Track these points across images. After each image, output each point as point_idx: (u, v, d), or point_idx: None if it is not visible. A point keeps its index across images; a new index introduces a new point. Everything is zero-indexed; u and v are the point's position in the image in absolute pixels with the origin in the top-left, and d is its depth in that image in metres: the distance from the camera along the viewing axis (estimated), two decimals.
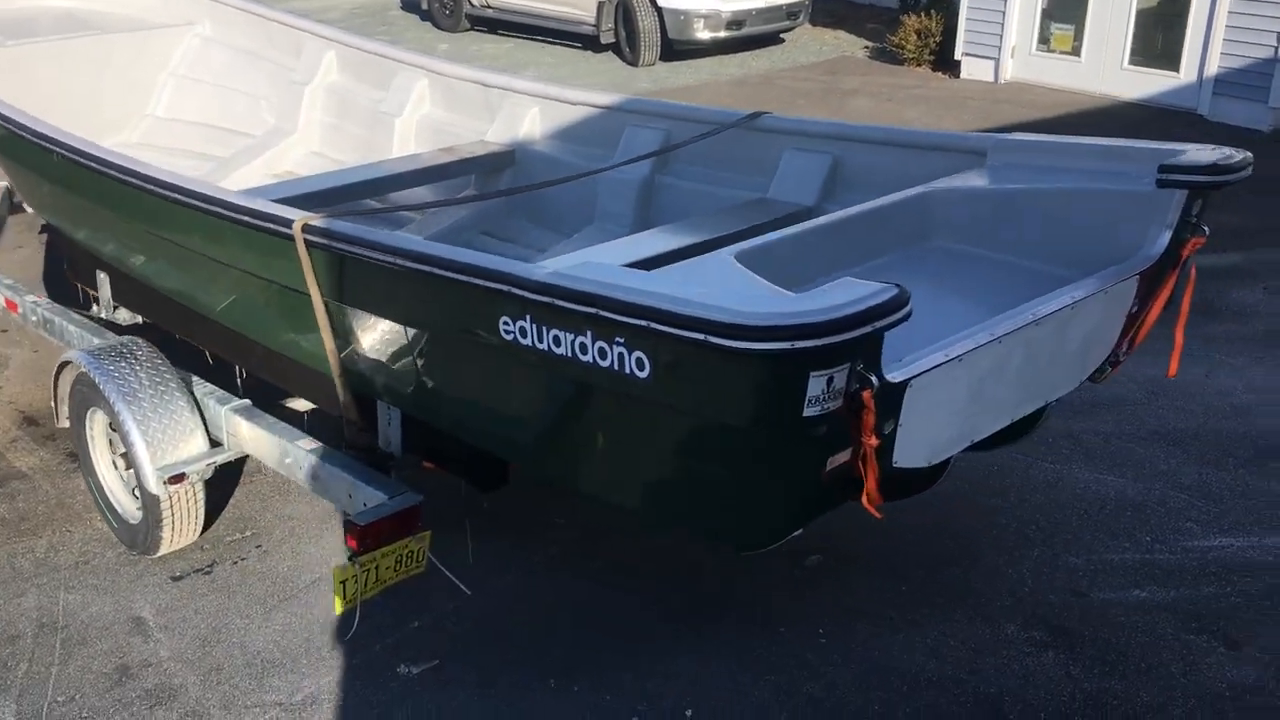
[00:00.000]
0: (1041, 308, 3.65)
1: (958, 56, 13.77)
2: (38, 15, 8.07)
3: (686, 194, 5.50)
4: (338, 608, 3.73)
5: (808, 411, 2.92)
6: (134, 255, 5.43)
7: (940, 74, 13.92)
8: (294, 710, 3.81)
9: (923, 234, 4.47)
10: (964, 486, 5.12)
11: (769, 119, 5.24)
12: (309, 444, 4.35)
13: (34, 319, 5.77)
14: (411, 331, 3.78)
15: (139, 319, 5.89)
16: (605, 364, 3.07)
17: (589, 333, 3.07)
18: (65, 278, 6.37)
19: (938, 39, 14.00)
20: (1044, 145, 4.48)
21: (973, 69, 13.68)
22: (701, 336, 2.83)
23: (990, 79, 13.55)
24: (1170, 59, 12.24)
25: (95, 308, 6.12)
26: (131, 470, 4.65)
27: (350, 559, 3.78)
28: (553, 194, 5.98)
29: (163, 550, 4.78)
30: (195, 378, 4.90)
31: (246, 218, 4.17)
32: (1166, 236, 4.00)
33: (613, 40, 14.26)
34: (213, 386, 4.83)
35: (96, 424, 4.95)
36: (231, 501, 5.20)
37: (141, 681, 4.00)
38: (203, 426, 4.67)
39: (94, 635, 4.29)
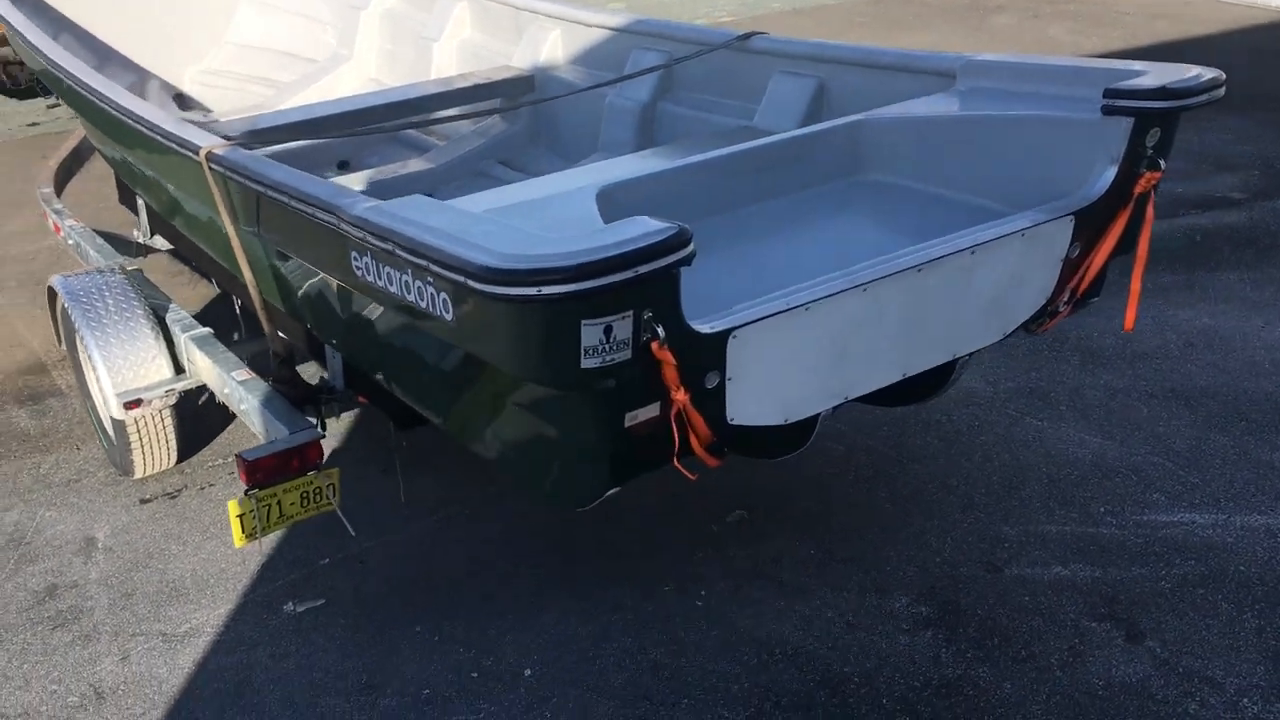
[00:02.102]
0: (927, 253, 3.30)
1: None
2: None
3: (684, 120, 5.30)
4: (237, 541, 3.72)
5: (586, 363, 2.71)
6: (140, 181, 5.56)
7: None
8: (173, 641, 3.87)
9: (854, 166, 4.14)
10: (932, 441, 4.78)
11: (760, 40, 4.95)
12: (242, 375, 4.34)
13: (70, 242, 5.99)
14: (304, 265, 3.72)
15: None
16: (424, 304, 2.94)
17: (408, 270, 2.92)
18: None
19: None
20: (1012, 66, 4.04)
21: None
22: (462, 279, 2.66)
23: None
24: None
25: (136, 233, 6.32)
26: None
27: (246, 493, 3.77)
28: (567, 121, 5.85)
29: (139, 473, 4.92)
30: (173, 306, 4.96)
31: (170, 143, 4.21)
32: (1110, 172, 3.55)
33: None
34: (183, 314, 4.89)
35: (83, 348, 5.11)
36: (228, 429, 5.30)
37: (58, 602, 4.14)
38: (168, 354, 4.74)
39: (46, 553, 4.46)
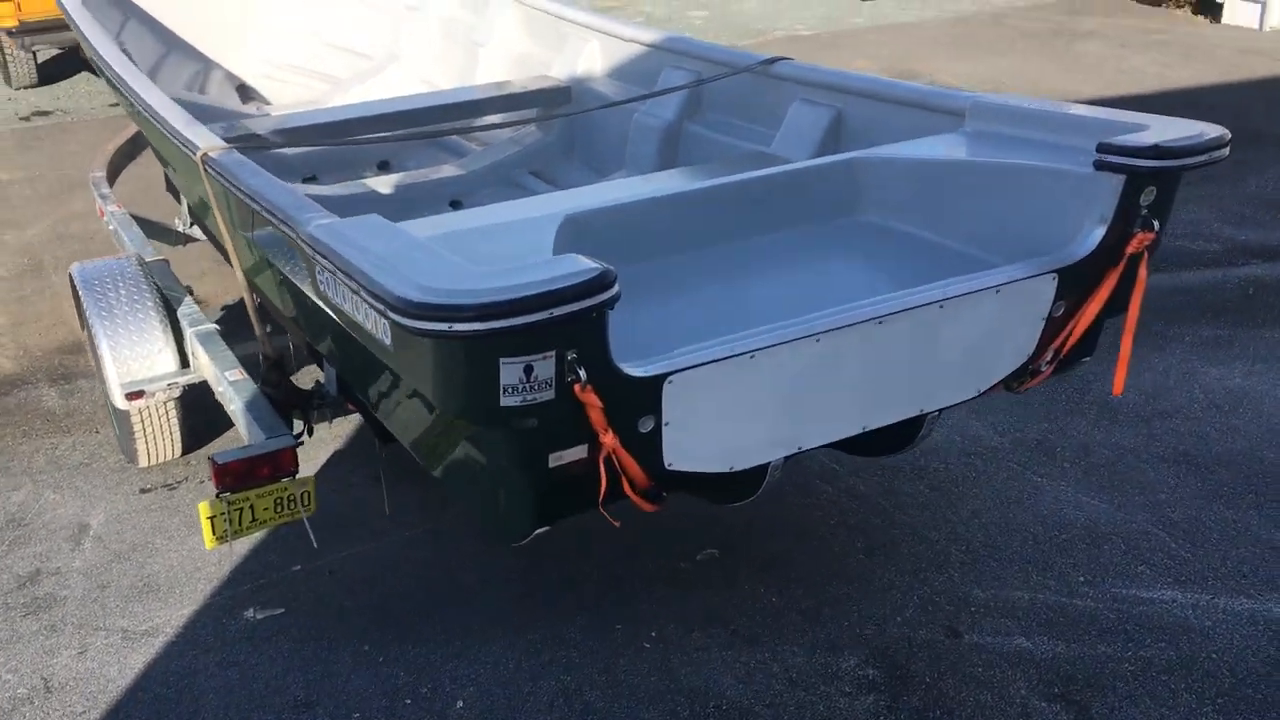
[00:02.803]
0: (889, 304, 3.17)
1: None
2: None
3: (707, 141, 5.25)
4: (207, 543, 3.73)
5: (506, 401, 2.66)
6: (169, 172, 5.65)
7: (1201, 17, 12.44)
8: (132, 639, 3.90)
9: (848, 204, 4.01)
10: (923, 490, 4.62)
11: (783, 66, 4.87)
12: (235, 375, 4.35)
13: (111, 227, 6.09)
14: (282, 273, 3.72)
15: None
16: (369, 327, 2.91)
17: (355, 290, 2.89)
18: None
19: None
20: (1017, 110, 3.89)
21: (1236, 13, 12.15)
22: (383, 309, 2.62)
23: (1254, 26, 11.98)
24: None
25: (177, 221, 6.41)
26: None
27: (218, 495, 3.77)
28: (599, 134, 5.83)
29: (143, 463, 4.98)
30: (187, 300, 4.99)
31: (177, 141, 4.26)
32: (1098, 231, 3.38)
33: None
34: (194, 309, 4.92)
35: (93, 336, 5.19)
36: None
37: (37, 588, 4.20)
38: (174, 348, 4.78)
39: (40, 536, 4.53)
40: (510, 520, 3.13)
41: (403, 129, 6.06)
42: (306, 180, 6.37)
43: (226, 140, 5.34)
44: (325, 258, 2.98)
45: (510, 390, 2.68)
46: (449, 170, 6.04)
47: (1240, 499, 4.54)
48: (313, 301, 3.69)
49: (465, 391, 2.74)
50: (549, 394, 2.71)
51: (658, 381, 2.88)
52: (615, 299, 2.60)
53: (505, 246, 3.31)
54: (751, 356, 3.00)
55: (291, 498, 3.89)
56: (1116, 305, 3.55)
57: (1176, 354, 5.75)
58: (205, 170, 3.94)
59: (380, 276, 2.67)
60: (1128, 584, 4.05)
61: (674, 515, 3.52)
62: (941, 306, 3.24)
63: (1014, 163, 3.69)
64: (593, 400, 2.73)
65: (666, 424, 2.96)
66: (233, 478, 3.72)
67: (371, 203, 5.81)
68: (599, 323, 2.67)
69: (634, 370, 2.85)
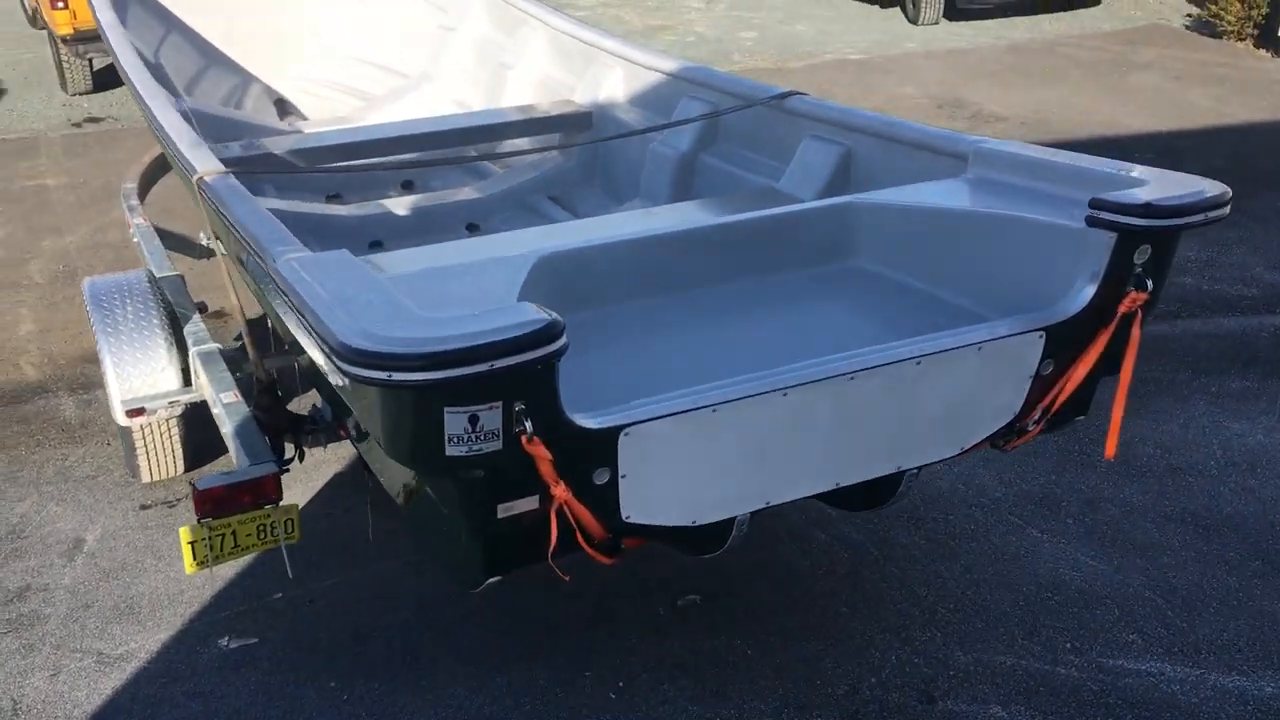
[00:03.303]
0: (862, 360, 3.07)
1: None
2: None
3: (719, 174, 5.19)
4: (188, 568, 3.69)
5: (451, 451, 2.60)
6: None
7: (1262, 51, 12.10)
8: (105, 663, 3.89)
9: (843, 250, 3.91)
10: (919, 542, 4.50)
11: (796, 100, 4.79)
12: (229, 398, 4.32)
13: (135, 239, 6.12)
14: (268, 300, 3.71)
15: None
16: (325, 366, 2.87)
17: (309, 331, 2.85)
18: None
19: (1264, 10, 12.12)
20: (1018, 158, 3.77)
21: None
22: (327, 350, 2.58)
23: None
24: None
25: (202, 235, 6.43)
26: None
27: (200, 520, 3.75)
28: (617, 162, 5.80)
29: (145, 479, 4.98)
30: (195, 318, 4.98)
31: (179, 163, 4.27)
32: (1088, 289, 3.25)
33: None
34: (200, 328, 4.90)
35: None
36: None
37: (23, 605, 4.21)
38: (179, 366, 4.77)
39: (36, 550, 4.55)
40: (463, 568, 3.08)
41: (427, 150, 6.06)
42: (330, 198, 6.38)
43: (240, 160, 5.37)
44: (286, 295, 2.95)
45: (455, 440, 2.62)
46: (468, 193, 6.01)
47: (1245, 566, 4.36)
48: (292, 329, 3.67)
49: (410, 439, 2.69)
50: (496, 444, 2.65)
51: (613, 434, 2.81)
52: (562, 351, 2.53)
53: (474, 287, 3.24)
54: (714, 410, 2.92)
55: (275, 524, 3.86)
56: (1110, 365, 3.42)
57: (1200, 406, 5.56)
58: (200, 194, 3.94)
59: (330, 320, 2.63)
60: (1116, 653, 3.89)
61: (660, 556, 3.44)
62: (918, 363, 3.14)
63: (1008, 214, 3.57)
64: (541, 452, 2.66)
65: (623, 476, 2.88)
66: (214, 504, 3.69)
67: (387, 225, 5.80)
68: (547, 374, 2.60)
69: (588, 422, 2.78)
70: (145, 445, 4.84)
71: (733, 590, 4.22)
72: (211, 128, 6.57)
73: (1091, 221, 3.20)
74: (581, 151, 5.97)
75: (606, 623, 4.04)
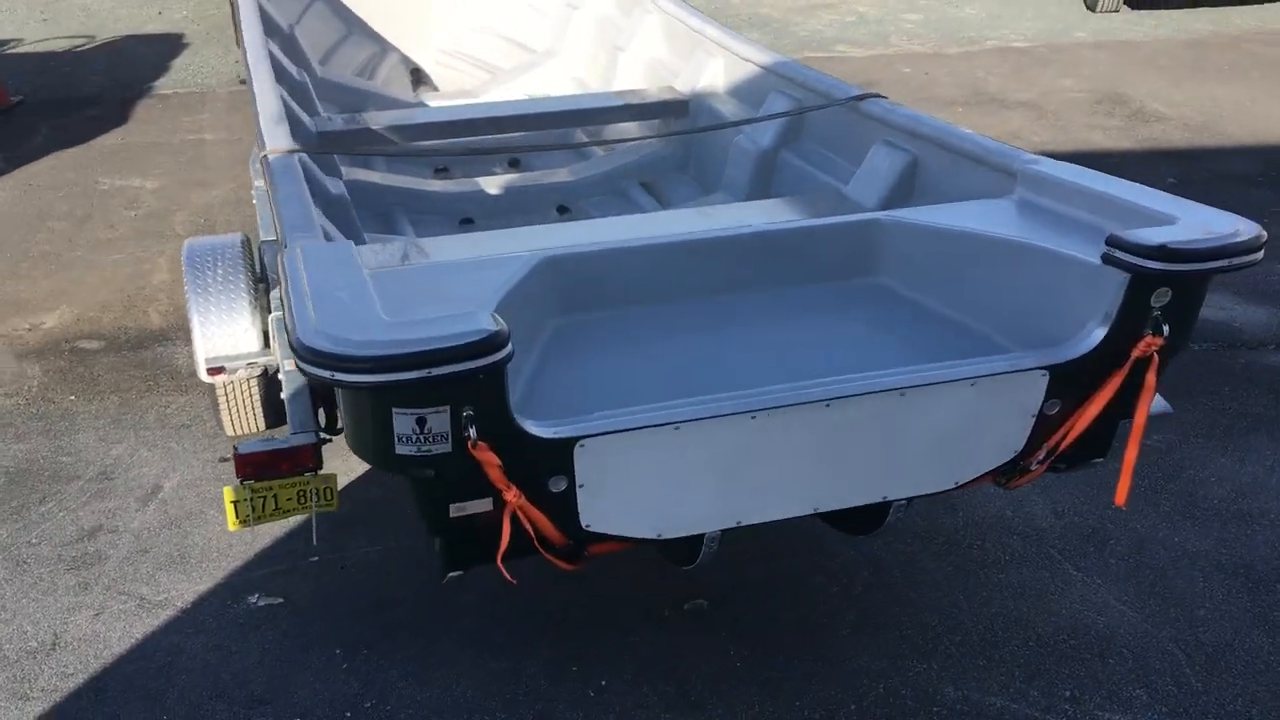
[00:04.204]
0: (841, 388, 3.05)
1: None
2: None
3: (797, 173, 5.17)
4: (230, 525, 3.95)
5: (401, 450, 2.72)
6: None
7: None
8: (145, 607, 4.16)
9: (864, 266, 3.86)
10: (944, 568, 4.40)
11: (872, 104, 4.72)
12: (289, 365, 4.51)
13: (255, 201, 6.42)
14: None
15: None
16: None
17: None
18: None
19: None
20: (1064, 184, 3.65)
21: None
22: (288, 342, 2.73)
23: None
24: None
25: None
26: None
27: (242, 482, 3.98)
28: (709, 153, 5.82)
29: (229, 432, 5.26)
30: None
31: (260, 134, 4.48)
32: (1099, 332, 3.15)
33: None
34: None
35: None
36: None
37: (90, 544, 4.53)
38: (259, 329, 5.02)
39: (117, 492, 4.88)
40: (433, 559, 3.19)
41: (527, 130, 6.18)
42: (439, 172, 6.57)
43: (334, 134, 5.56)
44: (279, 280, 3.11)
45: (404, 440, 2.73)
46: (563, 175, 6.10)
47: None
48: None
49: (364, 435, 2.81)
50: (445, 446, 2.74)
51: (568, 444, 2.87)
52: (506, 360, 2.59)
53: (467, 286, 3.30)
54: (676, 428, 2.93)
55: (316, 491, 4.05)
56: (1127, 409, 3.28)
57: None
58: (265, 172, 4.13)
59: (296, 313, 2.76)
60: (1115, 708, 3.74)
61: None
62: (903, 394, 3.08)
63: (1031, 243, 3.45)
64: (488, 458, 2.75)
65: (581, 486, 2.94)
66: (252, 468, 3.90)
67: (480, 202, 5.93)
68: (492, 382, 2.67)
69: (540, 431, 2.85)
70: (227, 402, 5.11)
71: (743, 598, 4.21)
72: (336, 96, 6.83)
73: (1106, 259, 3.07)
74: (677, 139, 5.98)
75: (612, 619, 4.10)
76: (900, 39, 11.70)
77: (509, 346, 2.60)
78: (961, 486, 3.34)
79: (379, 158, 6.20)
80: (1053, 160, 3.78)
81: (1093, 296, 3.17)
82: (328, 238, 3.80)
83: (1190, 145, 9.06)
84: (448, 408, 2.69)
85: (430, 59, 8.18)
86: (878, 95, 4.76)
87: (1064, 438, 3.32)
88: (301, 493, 3.99)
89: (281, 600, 4.20)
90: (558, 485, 2.93)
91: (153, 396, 5.67)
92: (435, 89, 8.01)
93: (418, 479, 2.91)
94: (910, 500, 3.35)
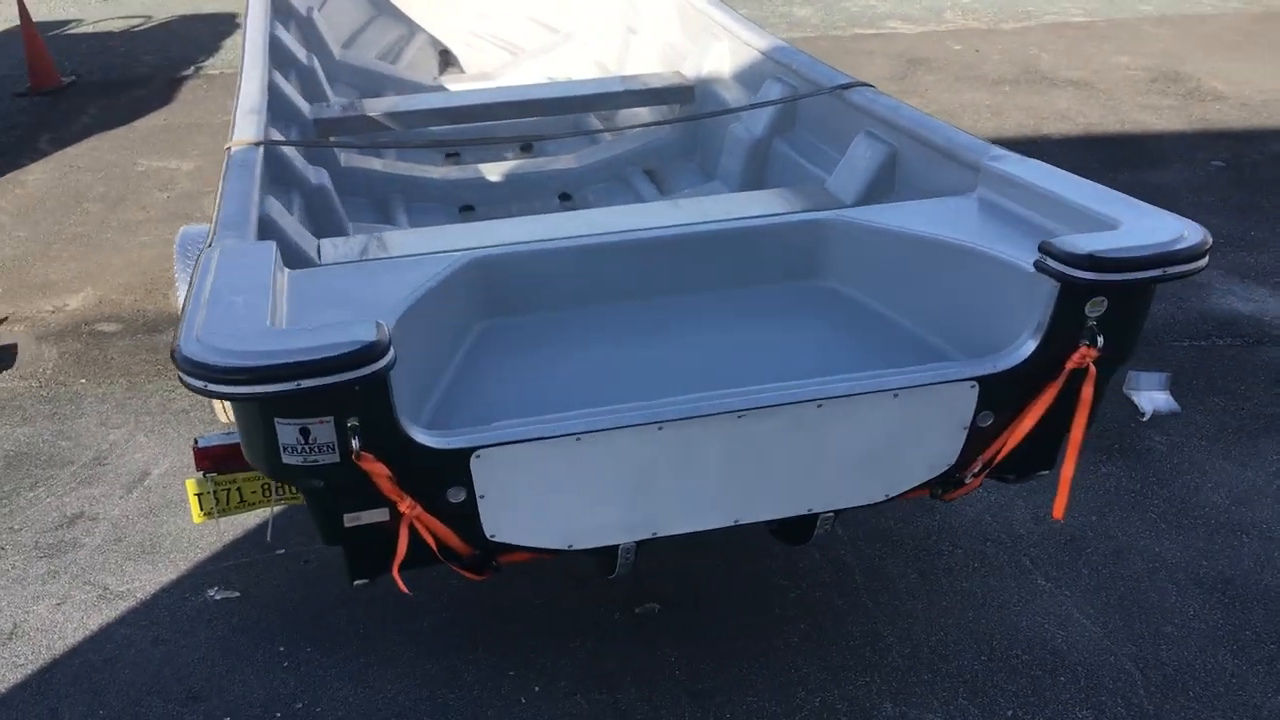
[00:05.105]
0: (754, 398, 2.97)
1: None
2: None
3: (787, 162, 5.07)
4: (195, 517, 3.99)
5: (287, 459, 2.70)
6: None
7: None
8: (105, 598, 4.23)
9: (812, 268, 3.75)
10: (909, 574, 4.28)
11: (857, 93, 4.59)
12: None
13: None
14: None
15: None
16: None
17: None
18: None
19: None
20: (1023, 184, 3.51)
21: None
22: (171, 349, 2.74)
23: None
24: None
25: None
26: None
27: (204, 475, 4.01)
28: (711, 140, 5.75)
29: (222, 419, 5.32)
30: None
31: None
32: (1030, 343, 3.02)
33: None
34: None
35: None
36: None
37: (69, 531, 4.61)
38: None
39: (108, 478, 4.97)
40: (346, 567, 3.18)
41: (533, 116, 6.13)
42: (450, 156, 6.55)
43: (329, 121, 5.55)
44: (191, 278, 3.09)
45: (290, 450, 2.70)
46: (567, 162, 6.03)
47: (1256, 648, 3.91)
48: None
49: (253, 443, 2.80)
50: (332, 457, 2.71)
51: (463, 455, 2.83)
52: (385, 369, 2.55)
53: (381, 288, 3.24)
54: (578, 439, 2.88)
55: (280, 485, 4.07)
56: (1062, 422, 3.13)
57: None
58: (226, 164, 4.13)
59: (185, 322, 2.74)
60: None
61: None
62: (820, 405, 2.98)
63: (975, 248, 3.32)
64: (377, 469, 2.72)
65: (482, 496, 2.90)
66: (211, 461, 3.90)
67: (481, 189, 5.89)
68: (374, 392, 2.63)
69: (432, 441, 2.81)
70: None
71: (696, 602, 4.14)
72: (354, 80, 6.84)
73: (1039, 267, 2.93)
74: (682, 125, 5.89)
75: (560, 622, 4.06)
76: (954, 14, 11.35)
77: (389, 356, 2.55)
78: (892, 499, 3.24)
79: (386, 143, 6.20)
80: (1017, 156, 3.61)
81: (1027, 305, 3.03)
82: (271, 235, 3.77)
83: (1246, 126, 8.65)
84: (331, 418, 2.65)
85: (460, 41, 8.15)
86: (864, 84, 4.61)
87: (999, 451, 3.19)
88: (265, 486, 3.99)
89: (239, 595, 4.23)
90: (456, 496, 2.89)
91: (159, 381, 5.75)
92: (462, 71, 7.98)
93: (307, 490, 2.90)
94: (838, 513, 3.26)
